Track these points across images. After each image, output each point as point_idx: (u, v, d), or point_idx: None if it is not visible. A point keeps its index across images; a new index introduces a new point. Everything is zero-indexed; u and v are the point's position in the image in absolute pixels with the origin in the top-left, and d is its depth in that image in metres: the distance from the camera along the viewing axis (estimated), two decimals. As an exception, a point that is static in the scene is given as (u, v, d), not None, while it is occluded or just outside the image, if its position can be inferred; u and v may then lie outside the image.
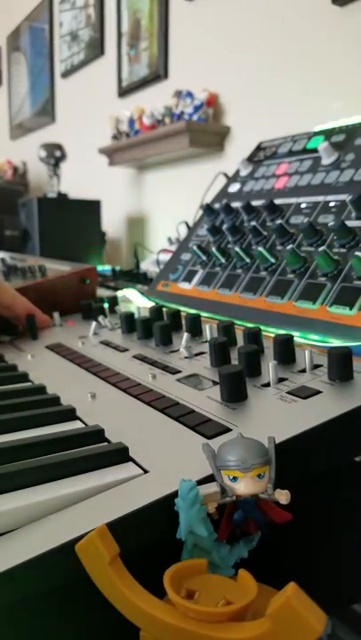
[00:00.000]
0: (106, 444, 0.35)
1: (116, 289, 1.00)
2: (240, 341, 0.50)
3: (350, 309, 0.50)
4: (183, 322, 0.58)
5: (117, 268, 1.50)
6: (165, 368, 0.47)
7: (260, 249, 0.63)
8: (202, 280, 0.72)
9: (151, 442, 0.34)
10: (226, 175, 1.29)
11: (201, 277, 0.72)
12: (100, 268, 1.44)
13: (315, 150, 0.73)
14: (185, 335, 0.51)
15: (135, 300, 0.80)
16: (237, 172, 0.86)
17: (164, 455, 0.32)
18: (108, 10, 2.36)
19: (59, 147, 2.32)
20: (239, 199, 0.79)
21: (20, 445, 0.33)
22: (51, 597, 0.25)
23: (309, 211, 0.65)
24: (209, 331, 0.52)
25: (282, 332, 0.50)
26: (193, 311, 0.64)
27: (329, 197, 0.64)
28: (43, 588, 0.25)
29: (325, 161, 0.70)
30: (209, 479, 0.27)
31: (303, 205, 0.67)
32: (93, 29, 2.48)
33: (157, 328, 0.54)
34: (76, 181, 2.56)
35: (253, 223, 0.69)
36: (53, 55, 2.97)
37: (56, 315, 0.73)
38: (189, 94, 1.66)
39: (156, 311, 0.62)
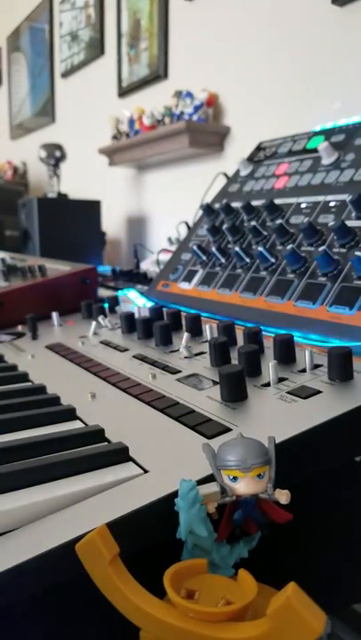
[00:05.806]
0: (106, 443, 0.35)
1: (116, 289, 1.00)
2: (240, 341, 0.50)
3: (350, 309, 0.50)
4: (183, 322, 0.58)
5: (117, 268, 1.50)
6: (165, 368, 0.47)
7: (260, 249, 0.63)
8: (202, 280, 0.72)
9: (151, 442, 0.34)
10: (226, 175, 1.29)
11: (201, 277, 0.72)
12: (100, 268, 1.44)
13: (315, 150, 0.73)
14: (185, 335, 0.51)
15: (135, 300, 0.80)
16: (237, 172, 0.86)
17: (164, 455, 0.32)
18: (108, 10, 2.35)
19: (59, 147, 2.32)
20: (239, 199, 0.79)
21: (21, 445, 0.33)
22: (51, 597, 0.25)
23: (309, 210, 0.65)
24: (209, 331, 0.52)
25: (282, 332, 0.50)
26: (193, 311, 0.64)
27: (329, 197, 0.64)
28: (43, 587, 0.25)
29: (325, 161, 0.70)
30: (209, 479, 0.27)
31: (303, 205, 0.67)
32: (93, 29, 2.48)
33: (157, 328, 0.54)
34: (76, 182, 2.56)
35: (253, 223, 0.69)
36: (53, 55, 2.97)
37: (56, 315, 0.74)
38: (189, 94, 1.66)
39: (156, 311, 0.62)
